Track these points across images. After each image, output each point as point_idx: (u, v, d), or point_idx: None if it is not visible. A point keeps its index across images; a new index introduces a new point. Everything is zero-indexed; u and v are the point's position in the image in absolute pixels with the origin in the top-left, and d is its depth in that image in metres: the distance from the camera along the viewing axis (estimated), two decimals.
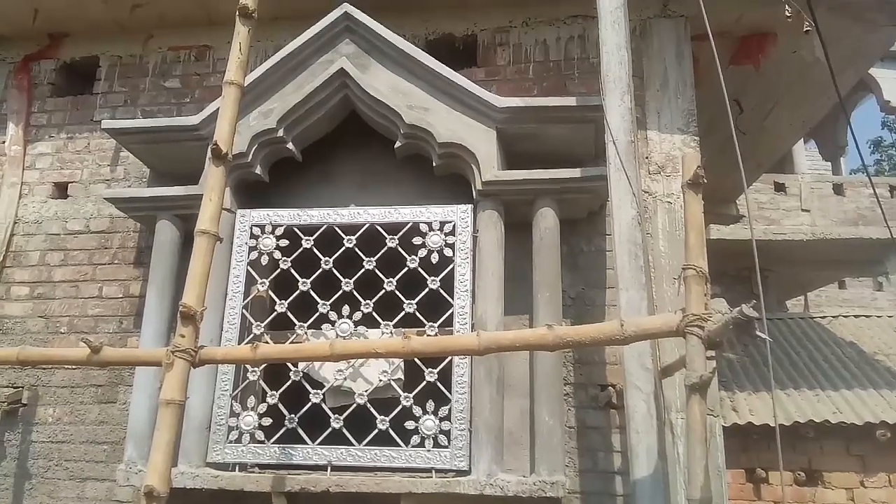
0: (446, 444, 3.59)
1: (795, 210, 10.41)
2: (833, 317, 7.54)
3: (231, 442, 3.74)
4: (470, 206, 3.91)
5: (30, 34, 5.06)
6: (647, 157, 4.25)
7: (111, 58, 5.04)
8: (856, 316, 7.53)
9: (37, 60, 5.13)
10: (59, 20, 4.94)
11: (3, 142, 4.95)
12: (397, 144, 4.01)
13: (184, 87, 4.92)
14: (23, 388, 4.43)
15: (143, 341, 3.97)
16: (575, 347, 2.29)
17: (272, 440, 3.73)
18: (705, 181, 2.28)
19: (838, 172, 13.51)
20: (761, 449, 5.35)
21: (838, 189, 10.87)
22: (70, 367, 4.36)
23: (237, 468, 3.72)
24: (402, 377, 3.94)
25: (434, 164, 3.98)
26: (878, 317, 7.57)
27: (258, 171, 4.10)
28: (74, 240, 4.69)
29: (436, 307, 3.81)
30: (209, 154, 2.81)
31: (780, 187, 10.62)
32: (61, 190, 4.86)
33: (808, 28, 3.23)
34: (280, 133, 4.05)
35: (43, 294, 4.62)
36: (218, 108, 4.08)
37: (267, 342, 3.76)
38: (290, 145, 4.11)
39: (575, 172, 3.76)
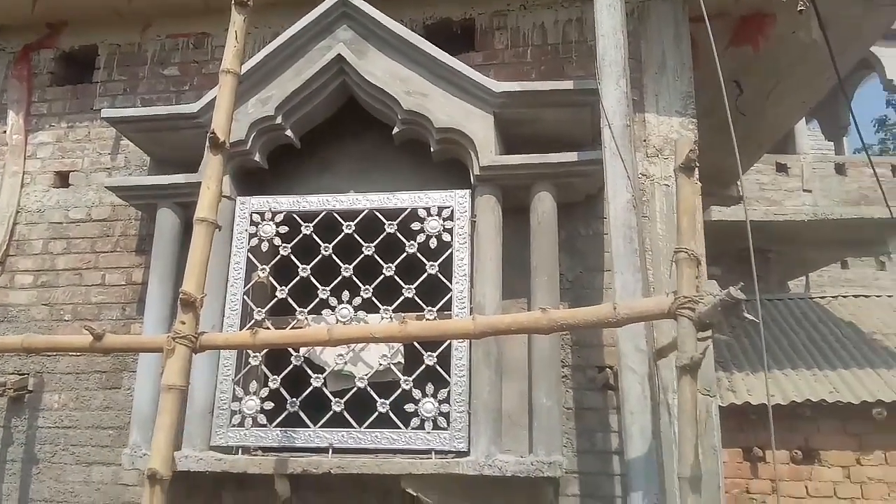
0: (445, 426, 3.65)
1: (797, 190, 10.40)
2: (832, 297, 7.56)
3: (234, 426, 3.80)
4: (468, 192, 3.93)
5: (29, 24, 5.07)
6: (644, 140, 4.26)
7: (110, 46, 5.05)
8: (855, 296, 7.55)
9: (36, 50, 5.14)
10: (57, 9, 4.94)
11: (4, 131, 4.98)
12: (395, 130, 4.03)
13: (182, 74, 4.93)
14: (28, 375, 4.49)
15: (146, 328, 4.02)
16: (569, 330, 2.33)
17: (274, 424, 3.79)
18: (698, 165, 2.30)
19: (841, 152, 13.45)
20: (758, 428, 5.40)
21: (840, 169, 10.84)
22: (75, 354, 4.42)
23: (240, 451, 3.79)
24: (403, 361, 3.99)
25: (432, 149, 4.00)
26: (877, 297, 7.59)
27: (257, 158, 4.13)
28: (77, 228, 4.74)
29: (435, 292, 3.84)
30: (207, 143, 2.83)
31: (781, 168, 10.59)
32: (63, 179, 4.89)
33: (803, 8, 3.23)
34: (279, 120, 4.07)
35: (46, 282, 4.67)
36: (216, 95, 4.13)
37: (268, 328, 3.80)
38: (288, 132, 4.13)
39: (572, 156, 3.77)
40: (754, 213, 8.21)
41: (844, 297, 7.54)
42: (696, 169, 2.35)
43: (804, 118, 11.54)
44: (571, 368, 3.99)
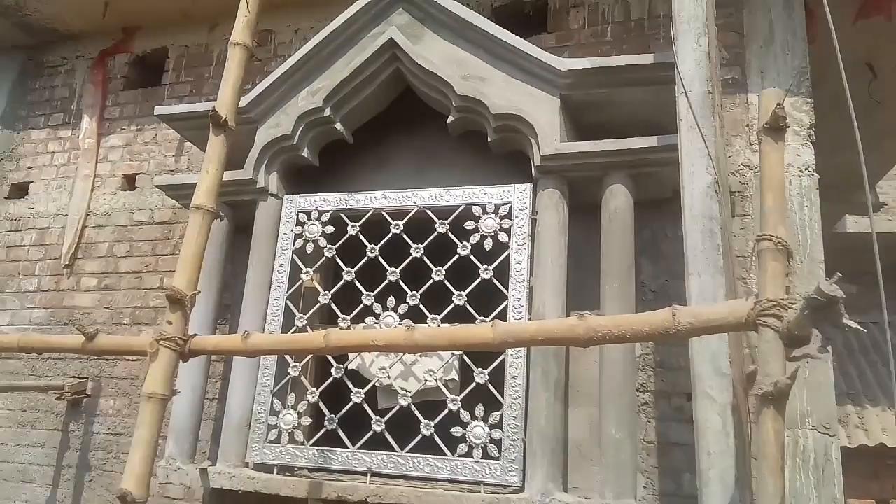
0: (497, 455, 3.14)
1: None
2: None
3: (270, 442, 3.49)
4: (529, 186, 3.44)
5: (106, 30, 5.14)
6: (747, 126, 3.60)
7: (179, 48, 5.01)
8: None
9: (112, 55, 5.19)
10: (129, 13, 4.96)
11: (80, 136, 5.05)
12: (449, 119, 3.62)
13: (245, 73, 4.74)
14: (87, 378, 4.43)
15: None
16: (614, 342, 1.79)
17: (311, 441, 3.44)
18: (787, 124, 1.71)
19: None
20: None
21: None
22: (130, 358, 4.33)
23: (275, 470, 3.46)
24: (457, 378, 3.54)
25: (489, 139, 3.54)
26: None
27: (306, 153, 3.85)
28: (140, 231, 4.68)
29: (490, 300, 3.37)
30: (210, 121, 2.54)
31: None
32: (130, 181, 4.87)
33: None
34: (327, 112, 3.77)
35: (109, 285, 4.62)
36: (266, 87, 3.91)
37: None
38: (338, 125, 3.82)
39: (650, 141, 3.19)
40: (892, 224, 7.05)
41: None
42: (786, 132, 1.75)
43: None
44: (654, 395, 3.38)
